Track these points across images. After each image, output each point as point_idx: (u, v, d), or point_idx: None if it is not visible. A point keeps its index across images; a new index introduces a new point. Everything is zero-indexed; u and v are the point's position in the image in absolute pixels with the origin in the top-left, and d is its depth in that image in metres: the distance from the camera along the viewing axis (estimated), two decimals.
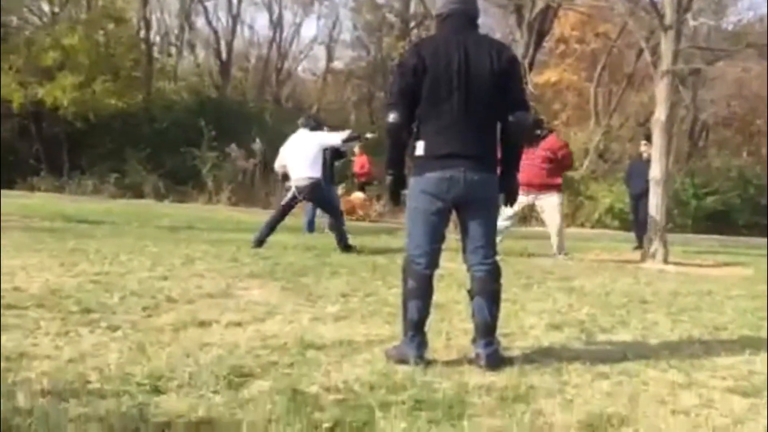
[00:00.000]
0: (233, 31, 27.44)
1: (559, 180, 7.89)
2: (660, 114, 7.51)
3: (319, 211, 9.09)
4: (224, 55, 26.82)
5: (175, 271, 5.19)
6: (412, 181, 3.08)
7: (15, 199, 12.84)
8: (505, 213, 7.47)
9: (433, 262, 3.11)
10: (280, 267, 5.67)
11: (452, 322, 3.88)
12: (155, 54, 24.82)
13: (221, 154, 18.02)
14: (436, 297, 4.64)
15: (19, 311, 3.57)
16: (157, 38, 26.23)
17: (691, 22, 8.23)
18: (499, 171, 3.14)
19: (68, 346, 2.99)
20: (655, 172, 7.61)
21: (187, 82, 26.48)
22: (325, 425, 2.22)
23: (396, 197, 3.21)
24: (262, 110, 23.89)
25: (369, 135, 9.01)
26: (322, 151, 10.48)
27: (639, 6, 9.66)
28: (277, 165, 7.89)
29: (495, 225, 3.17)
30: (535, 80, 20.22)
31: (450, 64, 2.95)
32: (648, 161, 8.25)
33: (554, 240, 7.74)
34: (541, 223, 8.58)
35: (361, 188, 14.71)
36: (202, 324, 3.55)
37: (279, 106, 26.37)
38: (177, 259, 5.80)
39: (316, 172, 7.31)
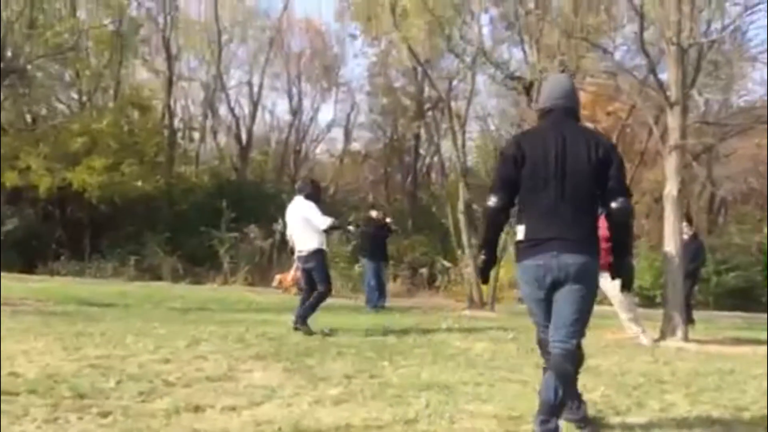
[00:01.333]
0: (253, 117, 28.30)
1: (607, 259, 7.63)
2: (671, 189, 7.45)
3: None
4: (244, 140, 27.56)
5: (178, 353, 5.10)
6: (517, 266, 3.24)
7: (33, 284, 12.96)
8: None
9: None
10: (286, 348, 5.56)
11: (458, 404, 3.72)
12: (178, 139, 25.60)
13: (240, 235, 18.19)
14: (444, 377, 4.52)
15: (10, 397, 3.49)
16: (181, 124, 27.13)
17: (697, 97, 8.29)
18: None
19: None
20: (670, 247, 7.47)
21: (208, 165, 27.15)
22: None
23: (485, 277, 3.49)
24: (280, 191, 24.27)
25: (352, 228, 8.90)
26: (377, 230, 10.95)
27: (646, 84, 9.80)
28: (288, 235, 7.68)
29: (587, 309, 3.17)
30: None
31: (547, 154, 3.10)
32: (689, 242, 8.10)
33: (625, 318, 7.33)
34: None
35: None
36: (197, 409, 3.43)
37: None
38: (182, 340, 5.72)
39: (314, 243, 6.98)
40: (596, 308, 8.36)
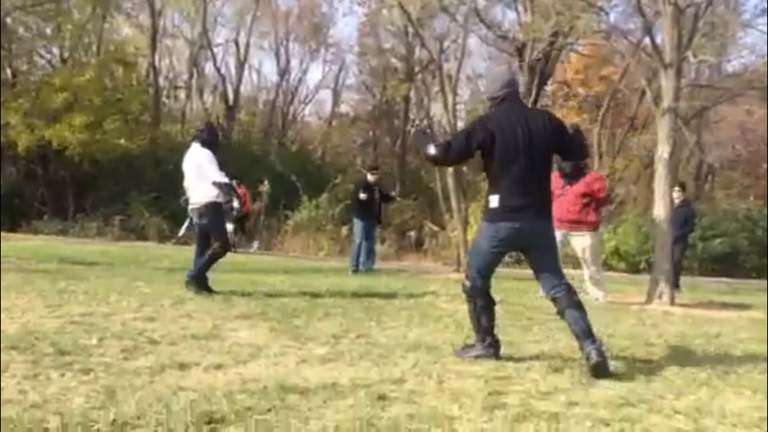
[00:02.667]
0: (240, 76, 27.84)
1: (593, 217, 7.47)
2: (663, 152, 7.40)
3: None
4: (231, 100, 27.14)
5: (163, 312, 5.03)
6: (485, 225, 3.86)
7: (15, 242, 12.79)
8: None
9: (489, 283, 3.98)
10: (273, 308, 5.50)
11: (445, 365, 3.69)
12: (163, 98, 25.15)
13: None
14: (431, 338, 4.49)
15: None
16: (166, 83, 26.63)
17: (692, 59, 8.17)
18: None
19: (34, 390, 2.83)
20: (659, 210, 7.45)
21: (194, 125, 26.76)
22: None
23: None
24: (267, 153, 24.02)
25: (236, 204, 7.42)
26: (374, 190, 10.69)
27: (640, 47, 9.66)
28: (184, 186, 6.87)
29: (557, 259, 3.94)
30: None
31: (515, 132, 3.74)
32: (680, 208, 8.06)
33: (588, 282, 7.40)
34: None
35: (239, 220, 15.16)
36: (182, 366, 3.38)
37: (284, 148, 26.53)
38: (167, 299, 5.65)
39: (209, 195, 6.44)
40: (582, 273, 8.28)
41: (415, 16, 12.03)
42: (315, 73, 39.95)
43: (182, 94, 27.37)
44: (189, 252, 13.87)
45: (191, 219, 6.94)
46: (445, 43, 15.77)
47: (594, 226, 7.55)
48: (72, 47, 20.24)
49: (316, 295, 6.50)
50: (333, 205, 18.34)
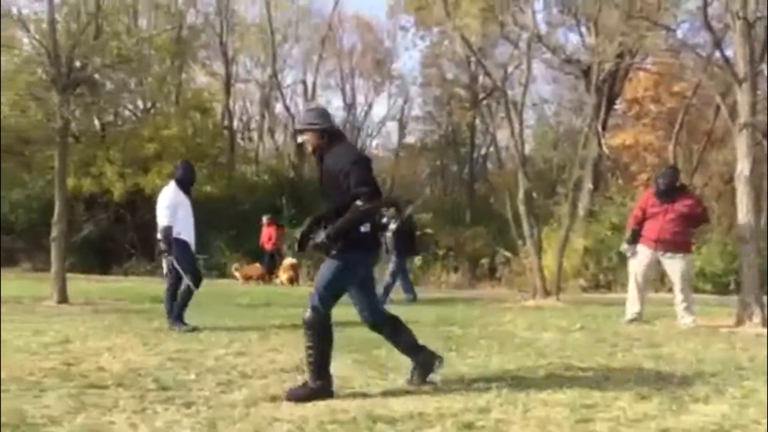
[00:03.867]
0: None
1: (689, 240, 7.35)
2: (743, 168, 7.16)
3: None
4: None
5: (251, 346, 5.27)
6: (360, 252, 3.78)
7: (109, 284, 13.55)
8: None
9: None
10: (354, 339, 5.64)
11: (530, 393, 3.70)
12: (238, 140, 26.21)
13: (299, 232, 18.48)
14: (513, 367, 4.50)
15: (99, 390, 3.70)
16: (240, 125, 27.78)
17: (766, 72, 7.92)
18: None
19: (143, 423, 3.06)
20: (744, 230, 7.19)
21: (266, 164, 27.69)
22: None
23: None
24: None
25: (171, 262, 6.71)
26: (399, 224, 10.67)
27: (711, 61, 9.44)
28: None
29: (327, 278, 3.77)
30: (609, 143, 19.89)
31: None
32: None
33: (680, 307, 7.16)
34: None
35: (272, 257, 16.60)
36: (273, 399, 3.55)
37: None
38: (254, 334, 5.90)
39: (165, 221, 6.52)
40: (667, 296, 7.99)
41: (477, 45, 12.19)
42: (380, 107, 40.74)
43: (255, 136, 28.45)
44: (266, 288, 14.38)
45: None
46: (509, 69, 15.87)
47: (689, 250, 7.40)
48: (153, 97, 21.50)
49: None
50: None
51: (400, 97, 30.31)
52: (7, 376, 3.92)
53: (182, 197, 6.78)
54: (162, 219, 6.63)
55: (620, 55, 13.09)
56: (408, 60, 52.99)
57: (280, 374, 4.22)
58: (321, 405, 3.46)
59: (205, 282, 16.20)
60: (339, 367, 4.49)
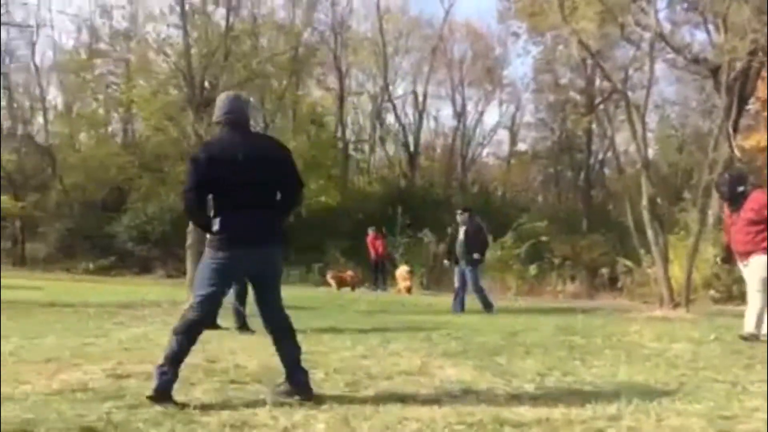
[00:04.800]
0: (420, 125, 29.02)
1: (764, 243, 6.30)
2: None
3: None
4: (412, 147, 28.32)
5: (373, 350, 5.43)
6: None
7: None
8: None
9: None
10: (473, 347, 5.68)
11: (662, 403, 3.58)
12: (350, 151, 26.98)
13: (413, 240, 18.72)
14: (643, 377, 4.35)
15: (239, 385, 3.98)
16: (352, 137, 28.58)
17: None
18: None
19: (283, 417, 3.26)
20: None
21: (379, 174, 28.29)
22: None
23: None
24: (449, 196, 24.59)
25: None
26: (482, 229, 10.42)
27: None
28: None
29: (279, 290, 3.91)
30: (741, 145, 18.58)
31: (235, 160, 3.58)
32: None
33: (750, 314, 6.26)
34: (742, 298, 7.47)
35: (376, 266, 17.51)
36: (401, 399, 3.66)
37: (465, 190, 26.99)
38: (374, 339, 6.07)
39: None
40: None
41: (595, 48, 11.84)
42: (491, 114, 40.41)
43: (366, 146, 29.15)
44: (383, 295, 14.68)
45: None
46: (629, 72, 15.28)
47: (762, 251, 6.31)
48: (273, 113, 22.64)
49: (512, 334, 6.58)
50: (518, 245, 18.23)
51: (512, 104, 29.98)
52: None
53: None
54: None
55: (752, 53, 12.24)
56: (519, 66, 52.23)
57: (403, 376, 4.33)
58: (447, 407, 3.52)
59: (322, 289, 16.77)
60: (460, 372, 4.55)
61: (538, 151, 30.02)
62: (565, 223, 23.46)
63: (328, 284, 17.71)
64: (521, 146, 31.07)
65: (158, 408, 3.33)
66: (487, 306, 9.91)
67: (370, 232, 17.74)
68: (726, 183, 6.64)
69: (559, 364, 4.82)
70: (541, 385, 4.08)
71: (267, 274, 3.81)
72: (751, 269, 6.34)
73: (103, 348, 5.35)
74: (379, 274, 17.59)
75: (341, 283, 16.46)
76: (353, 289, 16.21)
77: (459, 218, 10.31)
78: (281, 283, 3.98)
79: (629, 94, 12.04)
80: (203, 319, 3.66)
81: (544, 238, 18.67)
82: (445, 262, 10.83)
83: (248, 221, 3.60)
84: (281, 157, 3.76)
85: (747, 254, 6.38)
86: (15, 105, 26.18)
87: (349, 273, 17.25)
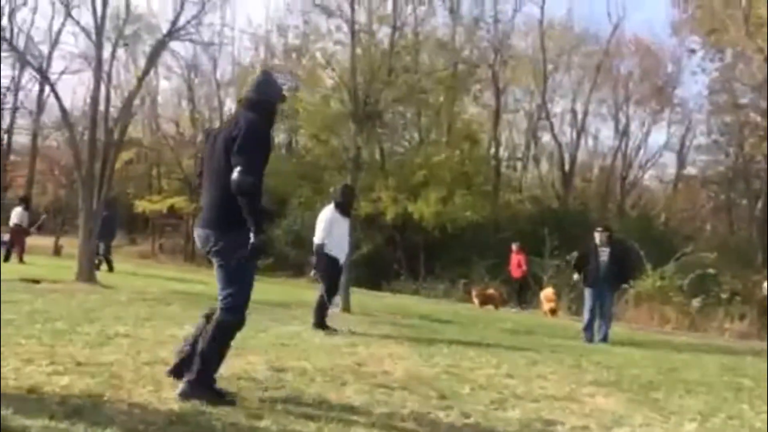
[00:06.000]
0: (577, 144, 28.04)
1: None
2: None
3: None
4: (567, 166, 27.42)
5: (519, 370, 5.34)
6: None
7: (383, 300, 14.75)
8: None
9: None
10: (626, 378, 5.40)
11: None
12: (503, 169, 26.67)
13: (563, 263, 18.09)
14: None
15: (387, 390, 4.10)
16: (506, 154, 28.25)
17: None
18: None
19: (428, 426, 3.32)
20: None
21: (530, 193, 27.68)
22: None
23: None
24: (605, 219, 23.47)
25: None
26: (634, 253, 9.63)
27: None
28: None
29: (225, 273, 3.61)
30: None
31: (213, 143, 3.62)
32: None
33: None
34: None
35: (521, 285, 17.09)
36: (548, 423, 3.58)
37: (623, 214, 25.64)
38: (521, 359, 5.96)
39: (318, 239, 7.21)
40: None
41: None
42: (656, 135, 38.07)
43: (519, 164, 28.66)
44: (528, 317, 14.33)
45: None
46: None
47: None
48: (429, 128, 23.01)
49: (671, 370, 6.16)
50: (681, 276, 16.97)
51: (681, 125, 28.06)
52: (312, 368, 4.55)
53: (338, 218, 7.35)
54: (316, 237, 7.32)
55: None
56: (693, 85, 48.69)
57: (551, 400, 4.22)
58: None
59: (467, 306, 16.73)
60: (613, 403, 4.35)
61: (710, 176, 27.76)
62: (737, 255, 21.46)
63: (472, 301, 17.62)
64: (690, 170, 28.94)
65: (314, 403, 3.53)
66: (606, 338, 9.30)
67: (514, 247, 17.44)
68: None
69: (724, 406, 4.45)
70: (703, 426, 3.80)
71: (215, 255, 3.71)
72: None
73: (263, 342, 5.74)
74: (521, 292, 17.20)
75: (485, 300, 16.32)
76: (497, 307, 16.00)
77: (597, 237, 9.52)
78: None
79: None
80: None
81: (711, 271, 17.20)
82: (575, 276, 10.21)
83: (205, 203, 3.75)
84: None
85: None
86: (197, 115, 28.94)
87: (495, 291, 17.06)
